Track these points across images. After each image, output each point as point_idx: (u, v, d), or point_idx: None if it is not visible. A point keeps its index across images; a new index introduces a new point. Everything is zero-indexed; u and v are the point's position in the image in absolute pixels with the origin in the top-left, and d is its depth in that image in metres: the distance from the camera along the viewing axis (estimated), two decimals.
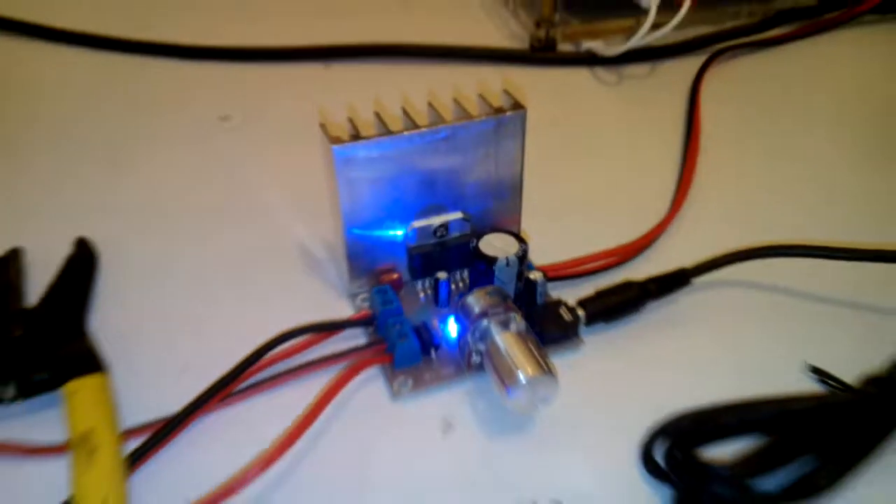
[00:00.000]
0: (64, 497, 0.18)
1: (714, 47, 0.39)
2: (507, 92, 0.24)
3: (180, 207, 0.29)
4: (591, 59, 0.38)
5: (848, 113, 0.35)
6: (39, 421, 0.21)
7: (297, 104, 0.34)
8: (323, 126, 0.23)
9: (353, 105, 0.26)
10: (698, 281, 0.25)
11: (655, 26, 0.35)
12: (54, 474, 0.19)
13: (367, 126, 0.23)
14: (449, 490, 0.20)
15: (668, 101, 0.35)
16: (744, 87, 0.37)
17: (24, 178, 0.30)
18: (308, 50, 0.38)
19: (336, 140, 0.22)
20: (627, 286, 0.24)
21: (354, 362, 0.22)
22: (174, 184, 0.30)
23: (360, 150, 0.22)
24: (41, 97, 0.35)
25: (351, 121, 0.23)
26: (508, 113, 0.23)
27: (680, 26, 0.36)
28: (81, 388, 0.20)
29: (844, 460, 0.20)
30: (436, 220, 0.24)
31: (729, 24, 0.41)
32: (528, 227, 0.26)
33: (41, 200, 0.29)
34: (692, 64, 0.38)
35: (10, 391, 0.21)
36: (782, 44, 0.40)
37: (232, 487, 0.19)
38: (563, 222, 0.28)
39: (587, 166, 0.32)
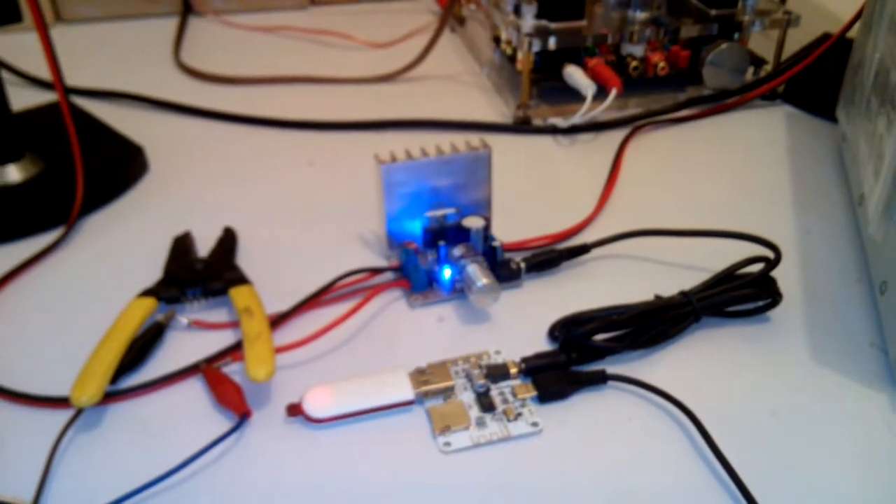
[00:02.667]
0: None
1: (637, 122, 0.56)
2: (482, 141, 0.41)
3: (284, 211, 0.46)
4: (553, 130, 0.56)
5: (731, 166, 0.52)
6: (216, 311, 0.38)
7: (355, 154, 0.52)
8: (376, 156, 0.40)
9: (392, 150, 0.44)
10: (595, 252, 0.41)
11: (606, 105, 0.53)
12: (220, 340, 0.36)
13: (400, 158, 0.40)
14: (438, 347, 0.36)
15: (603, 157, 0.52)
16: (655, 149, 0.54)
17: (192, 194, 0.48)
18: (361, 123, 0.56)
19: (383, 161, 0.39)
20: (550, 251, 0.41)
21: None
22: (280, 197, 0.48)
23: (397, 168, 0.39)
24: (197, 148, 0.54)
25: (391, 154, 0.40)
26: (481, 150, 0.41)
27: (620, 107, 0.53)
28: (239, 291, 0.37)
29: (656, 336, 0.36)
30: (439, 212, 0.41)
31: (654, 106, 0.58)
32: (502, 222, 0.43)
33: (203, 206, 0.47)
34: (622, 133, 0.55)
35: (199, 295, 0.38)
36: (690, 121, 0.58)
37: (304, 341, 0.35)
38: (524, 220, 0.45)
39: (545, 191, 0.49)
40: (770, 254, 0.38)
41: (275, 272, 0.40)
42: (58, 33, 0.69)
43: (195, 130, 0.56)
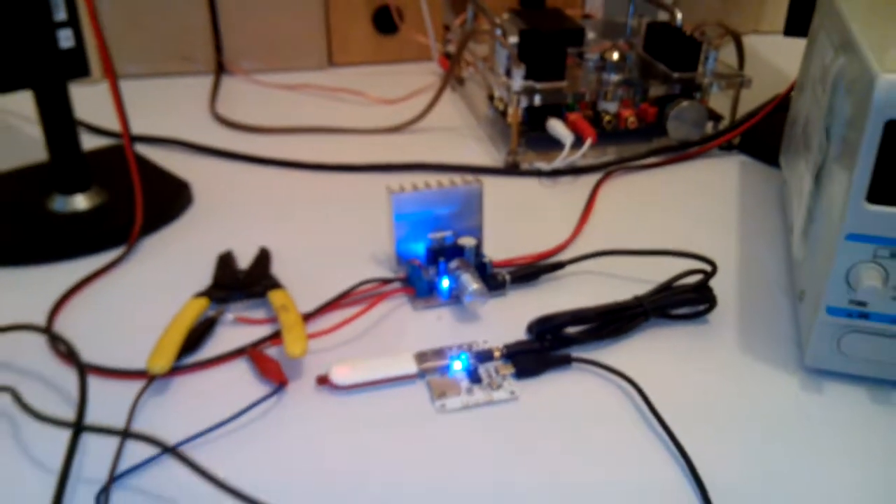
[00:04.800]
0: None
1: (610, 168, 0.65)
2: (476, 178, 0.50)
3: (308, 236, 0.55)
4: (538, 173, 0.65)
5: (688, 205, 0.61)
6: (256, 310, 0.46)
7: (368, 191, 0.61)
8: (388, 188, 0.49)
9: (401, 184, 0.53)
10: (569, 268, 0.50)
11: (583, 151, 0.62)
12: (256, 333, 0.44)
13: (408, 189, 0.49)
14: (437, 338, 0.44)
15: (580, 195, 0.61)
16: (625, 190, 0.63)
17: (231, 222, 0.57)
18: (373, 166, 0.65)
19: (393, 192, 0.48)
20: (532, 267, 0.49)
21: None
22: (304, 225, 0.56)
23: (405, 198, 0.48)
24: (233, 185, 0.63)
25: (400, 186, 0.49)
26: (474, 184, 0.50)
27: (596, 154, 0.62)
28: (276, 293, 0.46)
29: (613, 331, 0.44)
30: (439, 234, 0.50)
31: (625, 154, 0.67)
32: (493, 245, 0.51)
33: (240, 231, 0.56)
34: (597, 176, 0.64)
35: (242, 297, 0.46)
36: (656, 167, 0.67)
37: (330, 329, 0.43)
38: (512, 244, 0.53)
39: (530, 222, 0.57)
40: (708, 268, 0.47)
41: (303, 283, 0.49)
42: (106, 89, 0.79)
43: (231, 171, 0.65)
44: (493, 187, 0.62)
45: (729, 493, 0.35)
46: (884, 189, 0.36)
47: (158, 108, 0.76)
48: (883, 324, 0.39)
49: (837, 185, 0.39)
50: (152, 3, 0.80)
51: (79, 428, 0.35)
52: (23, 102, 0.75)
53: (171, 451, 0.35)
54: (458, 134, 0.73)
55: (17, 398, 0.36)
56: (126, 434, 0.36)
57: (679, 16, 0.73)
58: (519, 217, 0.59)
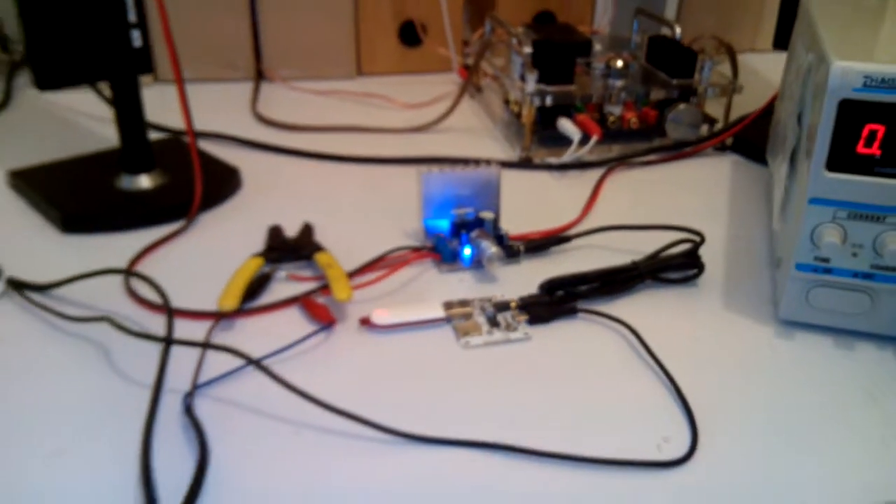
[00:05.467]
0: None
1: (613, 164, 0.72)
2: (495, 163, 0.57)
3: (347, 216, 0.62)
4: (549, 166, 0.72)
5: (685, 197, 0.68)
6: (304, 270, 0.53)
7: (396, 181, 0.68)
8: (418, 169, 0.56)
9: (428, 166, 0.60)
10: (575, 241, 0.57)
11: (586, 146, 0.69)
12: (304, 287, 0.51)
13: (435, 171, 0.56)
14: (461, 294, 0.51)
15: (586, 187, 0.68)
16: (627, 183, 0.70)
17: (277, 203, 0.64)
18: (400, 159, 0.73)
19: (423, 171, 0.55)
20: (543, 240, 0.56)
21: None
22: (342, 207, 0.64)
23: (433, 177, 0.55)
24: (276, 174, 0.70)
25: (428, 169, 0.56)
26: (493, 167, 0.57)
27: (601, 151, 0.70)
28: (322, 255, 0.53)
29: (613, 289, 0.50)
30: (462, 211, 0.57)
31: (628, 152, 0.74)
32: (510, 225, 0.58)
33: (285, 211, 0.63)
34: (602, 171, 0.71)
35: (293, 258, 0.54)
36: (655, 164, 0.74)
37: (371, 282, 0.50)
38: (527, 224, 0.60)
39: (542, 208, 0.64)
40: (697, 238, 0.54)
41: (343, 253, 0.56)
42: (156, 91, 0.87)
43: (273, 162, 0.73)
44: (509, 179, 0.70)
45: (710, 412, 0.41)
46: (839, 159, 0.43)
47: (205, 109, 0.84)
48: (844, 278, 0.45)
49: (805, 161, 0.45)
50: (199, 15, 0.88)
51: (169, 341, 0.42)
52: (81, 99, 0.83)
53: (252, 362, 0.42)
54: (476, 134, 0.80)
55: (115, 323, 0.43)
56: (207, 346, 0.43)
57: (678, 30, 0.80)
58: (532, 203, 0.66)
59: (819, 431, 0.40)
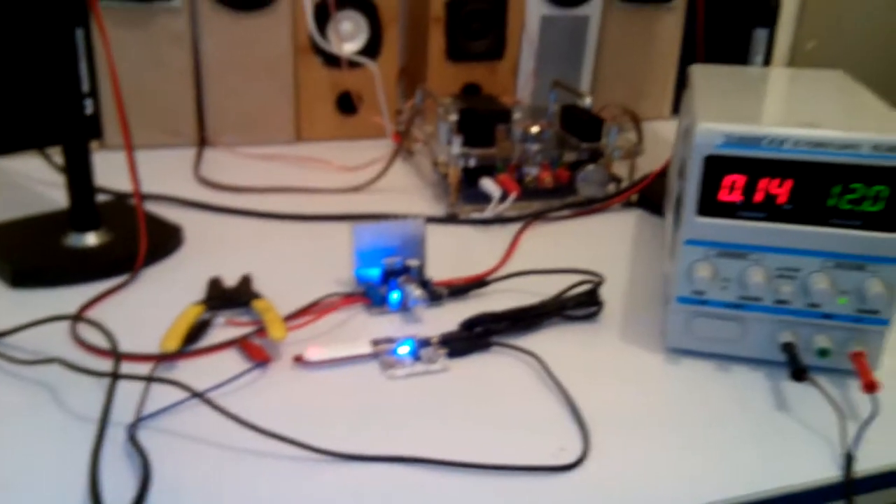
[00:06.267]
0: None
1: (529, 218, 0.80)
2: (417, 216, 0.63)
3: (283, 267, 0.67)
4: (473, 221, 0.79)
5: (593, 246, 0.75)
6: (242, 317, 0.57)
7: (331, 236, 0.74)
8: (352, 225, 0.62)
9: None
10: (492, 286, 0.63)
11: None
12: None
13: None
14: (390, 335, 0.56)
15: (506, 238, 0.75)
16: (543, 235, 0.77)
17: (217, 258, 0.69)
18: (335, 216, 0.78)
19: (358, 223, 0.61)
20: (464, 285, 0.62)
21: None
22: (280, 260, 0.68)
23: (363, 229, 0.61)
24: (217, 232, 0.75)
25: (363, 216, 0.62)
26: (418, 219, 0.63)
27: (520, 208, 0.77)
28: (259, 301, 0.57)
29: (524, 326, 0.56)
30: (391, 260, 0.62)
31: (543, 208, 0.82)
32: (437, 272, 0.64)
33: (225, 265, 0.67)
34: (520, 225, 0.78)
35: (231, 306, 0.58)
36: (568, 219, 0.81)
37: (303, 324, 0.55)
38: (452, 271, 0.66)
39: (465, 257, 0.70)
40: (597, 279, 0.60)
41: (280, 301, 0.60)
42: (103, 157, 0.91)
43: (215, 221, 0.77)
44: (438, 233, 0.76)
45: (602, 425, 0.47)
46: (707, 205, 0.50)
47: (150, 173, 0.88)
48: (717, 308, 0.52)
49: (684, 209, 0.53)
50: (144, 83, 0.93)
51: (115, 376, 0.46)
52: (31, 163, 0.87)
53: (195, 394, 0.46)
54: (408, 193, 0.87)
55: (65, 363, 0.47)
56: (151, 379, 0.47)
57: (588, 100, 0.89)
58: (458, 254, 0.72)
59: (697, 436, 0.46)
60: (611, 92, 1.13)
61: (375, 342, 0.53)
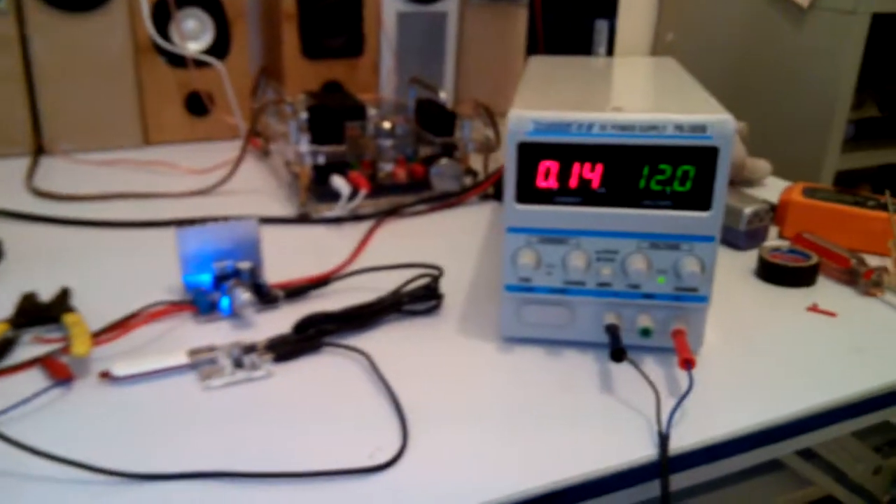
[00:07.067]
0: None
1: (382, 215, 0.78)
2: (250, 216, 0.61)
3: (110, 277, 0.63)
4: (325, 220, 0.77)
5: (447, 238, 0.74)
6: (52, 333, 0.53)
7: (169, 244, 0.70)
8: (176, 225, 0.58)
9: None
10: (335, 284, 0.61)
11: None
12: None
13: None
14: (212, 341, 0.53)
15: (359, 236, 0.73)
16: (397, 232, 0.76)
17: (37, 270, 0.64)
18: (173, 221, 0.74)
19: (179, 226, 0.58)
20: (303, 285, 0.60)
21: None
22: (107, 270, 0.64)
23: (188, 233, 0.58)
24: (41, 243, 0.69)
25: (196, 220, 0.59)
26: (250, 219, 0.60)
27: (376, 205, 0.75)
28: (69, 315, 0.53)
29: (360, 323, 0.55)
30: (222, 264, 0.59)
31: (399, 204, 0.81)
32: (285, 275, 0.61)
33: (46, 277, 0.62)
34: (373, 221, 0.77)
35: (39, 322, 0.53)
36: (425, 214, 0.80)
37: (114, 337, 0.51)
38: (305, 270, 0.63)
39: (319, 256, 0.68)
40: (436, 273, 0.59)
41: (102, 314, 0.56)
42: None
43: (42, 233, 0.72)
44: (288, 235, 0.73)
45: (426, 420, 0.46)
46: (525, 192, 0.50)
47: None
48: (544, 294, 0.52)
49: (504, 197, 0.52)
50: None
51: None
52: None
53: None
54: (262, 194, 0.84)
55: None
56: None
57: (443, 95, 0.89)
58: (308, 255, 0.69)
59: (521, 424, 0.46)
60: (474, 87, 1.13)
61: (193, 352, 0.50)
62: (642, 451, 0.44)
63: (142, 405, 0.46)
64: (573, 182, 0.49)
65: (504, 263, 0.52)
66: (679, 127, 0.47)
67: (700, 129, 0.47)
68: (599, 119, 0.47)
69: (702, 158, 0.47)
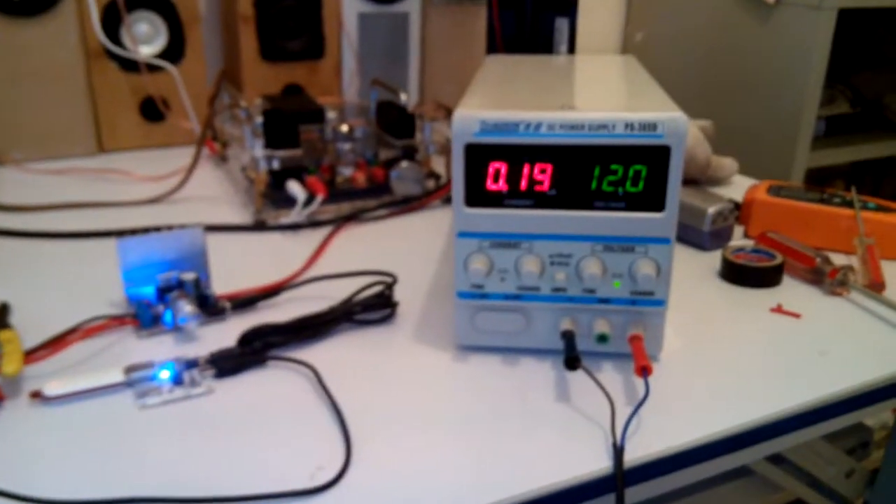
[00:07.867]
0: None
1: (341, 220, 0.76)
2: (195, 225, 0.58)
3: (54, 289, 0.60)
4: (282, 227, 0.74)
5: (408, 243, 0.72)
6: None
7: (111, 246, 0.67)
8: (117, 235, 0.56)
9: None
10: (286, 294, 0.59)
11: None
12: None
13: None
14: (160, 358, 0.50)
15: (316, 243, 0.71)
16: (358, 238, 0.74)
17: None
18: (117, 231, 0.72)
19: (123, 237, 0.55)
20: (251, 295, 0.57)
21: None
22: (49, 282, 0.62)
23: (129, 243, 0.55)
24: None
25: (139, 230, 0.56)
26: (195, 228, 0.58)
27: (336, 211, 0.73)
28: (3, 333, 0.51)
29: (310, 334, 0.53)
30: (167, 275, 0.57)
31: (360, 207, 0.79)
32: (234, 284, 0.59)
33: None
34: (331, 227, 0.75)
35: None
36: (385, 219, 0.78)
37: (48, 354, 0.49)
38: (257, 280, 0.61)
39: (274, 264, 0.66)
40: (389, 280, 0.58)
41: (41, 329, 0.54)
42: None
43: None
44: (244, 241, 0.71)
45: (372, 436, 0.44)
46: (474, 195, 0.48)
47: None
48: (498, 301, 0.50)
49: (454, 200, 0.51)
50: None
51: None
52: None
53: None
54: (218, 201, 0.81)
55: None
56: None
57: (404, 96, 0.87)
58: (263, 263, 0.67)
59: (472, 436, 0.44)
60: (438, 88, 1.11)
61: (130, 368, 0.48)
62: (598, 463, 0.42)
63: (74, 426, 0.44)
64: (523, 184, 0.47)
65: (456, 269, 0.50)
66: (629, 125, 0.45)
67: (651, 127, 0.45)
68: (548, 118, 0.46)
69: (653, 158, 0.46)
